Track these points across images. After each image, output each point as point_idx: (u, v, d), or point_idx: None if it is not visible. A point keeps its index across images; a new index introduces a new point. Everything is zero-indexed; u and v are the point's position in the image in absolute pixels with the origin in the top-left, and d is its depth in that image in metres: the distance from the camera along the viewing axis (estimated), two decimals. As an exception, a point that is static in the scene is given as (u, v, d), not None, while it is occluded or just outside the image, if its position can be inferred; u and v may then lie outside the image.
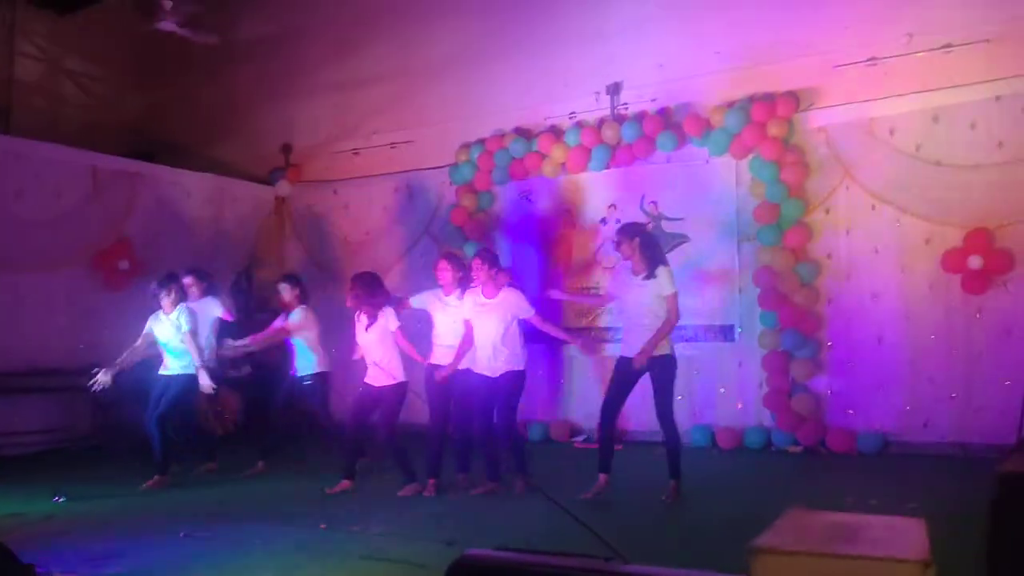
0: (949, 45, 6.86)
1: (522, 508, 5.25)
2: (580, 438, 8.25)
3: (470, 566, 1.53)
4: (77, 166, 8.59)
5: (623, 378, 5.53)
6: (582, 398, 8.40)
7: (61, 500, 5.63)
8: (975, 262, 6.58)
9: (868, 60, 7.19)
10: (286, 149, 10.51)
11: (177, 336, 6.31)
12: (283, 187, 10.37)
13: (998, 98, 6.66)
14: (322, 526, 4.84)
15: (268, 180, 10.42)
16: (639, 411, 8.09)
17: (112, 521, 5.11)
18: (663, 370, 5.42)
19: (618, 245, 5.54)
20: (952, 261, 6.72)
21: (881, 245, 7.11)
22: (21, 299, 7.96)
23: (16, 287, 7.93)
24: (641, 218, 8.14)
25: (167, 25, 9.00)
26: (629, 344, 5.47)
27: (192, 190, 9.63)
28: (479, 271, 5.71)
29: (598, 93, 8.48)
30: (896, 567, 1.46)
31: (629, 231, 5.50)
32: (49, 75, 10.71)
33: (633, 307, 5.46)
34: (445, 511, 5.24)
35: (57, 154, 8.47)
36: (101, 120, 10.74)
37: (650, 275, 5.37)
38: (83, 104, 10.90)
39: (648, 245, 5.46)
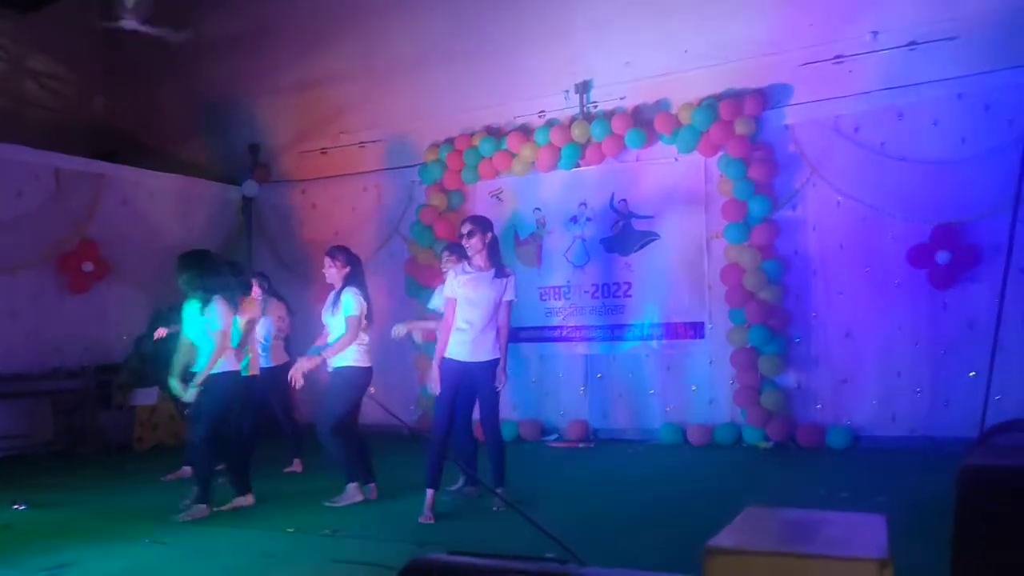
0: (913, 43, 6.94)
1: (497, 511, 5.20)
2: (551, 437, 8.25)
3: (419, 570, 1.49)
4: (40, 167, 8.43)
5: (465, 384, 5.24)
6: (553, 396, 8.40)
7: (22, 508, 5.51)
8: (942, 257, 6.66)
9: (834, 58, 7.26)
10: (254, 149, 10.40)
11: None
12: (250, 187, 10.25)
13: (960, 95, 6.75)
14: (290, 530, 4.77)
15: (235, 180, 10.30)
16: (614, 411, 8.15)
17: (74, 528, 5.00)
18: (495, 375, 5.20)
19: (470, 235, 5.18)
20: (918, 256, 6.81)
21: (847, 241, 7.18)
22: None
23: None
24: (611, 216, 8.17)
25: (130, 23, 8.85)
26: (479, 347, 5.14)
27: (157, 191, 9.50)
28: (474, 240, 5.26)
29: (567, 91, 8.48)
30: (853, 566, 1.45)
31: (484, 224, 5.29)
32: (11, 75, 10.50)
33: (486, 306, 5.14)
34: (415, 512, 5.18)
35: (20, 155, 8.31)
36: (65, 120, 10.56)
37: (500, 275, 5.19)
38: (46, 104, 10.70)
39: (496, 244, 5.30)
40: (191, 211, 9.77)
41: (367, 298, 5.58)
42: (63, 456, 7.77)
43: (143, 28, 8.87)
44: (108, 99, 11.14)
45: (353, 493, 5.50)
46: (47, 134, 9.70)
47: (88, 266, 8.57)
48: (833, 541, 1.54)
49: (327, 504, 5.41)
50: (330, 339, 5.55)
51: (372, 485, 5.62)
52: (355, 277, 5.60)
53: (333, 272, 5.59)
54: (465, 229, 5.26)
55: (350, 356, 5.47)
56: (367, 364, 5.56)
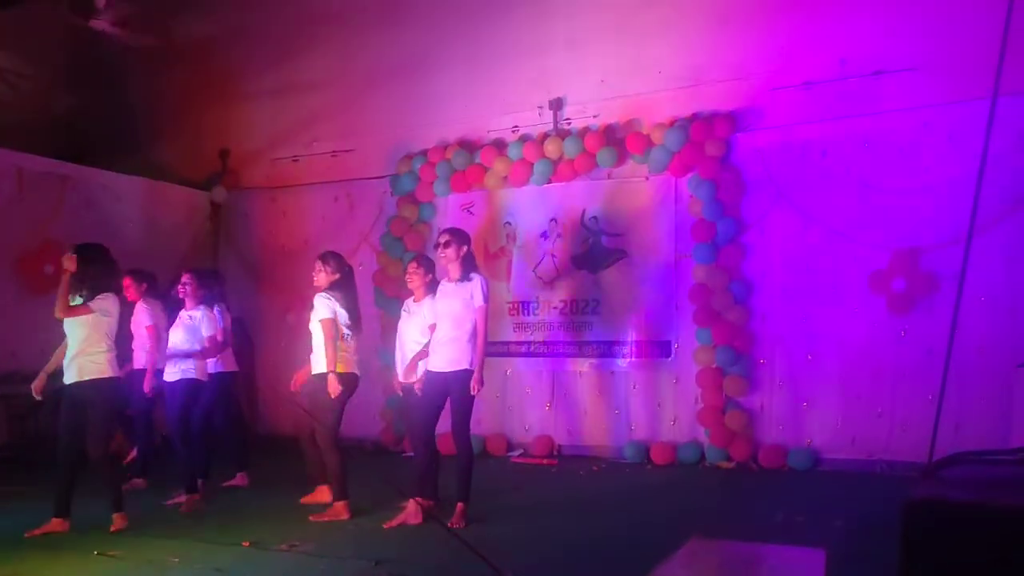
0: (880, 71, 7.05)
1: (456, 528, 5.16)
2: (516, 452, 8.22)
3: None
4: (3, 166, 8.26)
5: (437, 395, 5.31)
6: (519, 411, 8.38)
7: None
8: (898, 284, 6.77)
9: (803, 84, 7.36)
10: (224, 154, 10.28)
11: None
12: (219, 193, 10.13)
13: (925, 124, 6.86)
14: (245, 544, 4.70)
15: (205, 185, 10.18)
16: (580, 427, 8.15)
17: (22, 539, 4.88)
18: (466, 385, 5.19)
19: (446, 245, 5.28)
20: (878, 282, 6.90)
21: (812, 265, 7.25)
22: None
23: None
24: (582, 233, 8.19)
25: (100, 24, 8.73)
26: (449, 357, 5.23)
27: (123, 193, 9.34)
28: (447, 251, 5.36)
29: (541, 108, 8.50)
30: None
31: (461, 237, 5.36)
32: (-25, 71, 10.30)
33: (451, 315, 5.24)
34: (374, 529, 5.13)
35: (-18, 153, 8.15)
36: (29, 119, 10.35)
37: (464, 279, 5.25)
38: (10, 102, 10.50)
39: (471, 259, 5.37)
40: (157, 215, 9.63)
41: (349, 306, 5.54)
42: (15, 462, 7.58)
43: (112, 30, 8.74)
44: (74, 98, 10.95)
45: (340, 510, 5.42)
46: (10, 133, 9.49)
47: (49, 268, 8.39)
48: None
49: (312, 518, 5.38)
50: (313, 343, 5.55)
51: (327, 487, 5.62)
52: (340, 285, 5.57)
53: (322, 277, 5.58)
54: (442, 239, 5.35)
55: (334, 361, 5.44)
56: (351, 370, 5.52)
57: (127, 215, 9.31)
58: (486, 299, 5.27)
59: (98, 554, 4.46)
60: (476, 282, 5.25)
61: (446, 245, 5.27)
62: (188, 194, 10.04)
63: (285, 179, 9.87)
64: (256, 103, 10.05)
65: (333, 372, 5.35)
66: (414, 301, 5.84)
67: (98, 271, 5.18)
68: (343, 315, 5.49)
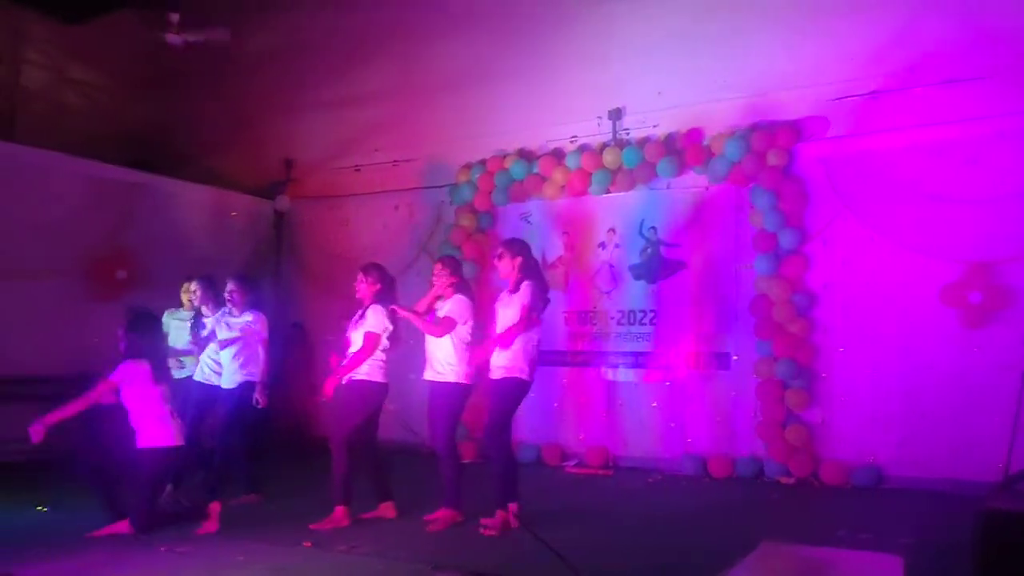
0: (951, 80, 6.88)
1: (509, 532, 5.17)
2: (572, 462, 8.19)
3: None
4: (78, 175, 8.58)
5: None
6: (575, 421, 8.35)
7: (43, 510, 5.57)
8: (974, 297, 6.56)
9: (870, 93, 7.21)
10: (288, 164, 10.52)
11: None
12: (282, 201, 10.37)
13: (999, 133, 6.67)
14: (307, 544, 4.78)
15: (269, 194, 10.43)
16: (635, 438, 8.07)
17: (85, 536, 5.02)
18: (502, 390, 5.25)
19: (499, 258, 5.44)
20: (950, 295, 6.71)
21: (878, 277, 7.09)
22: (15, 306, 7.90)
23: (11, 294, 7.88)
24: (640, 243, 8.15)
25: (172, 37, 9.01)
26: (494, 363, 5.29)
27: (191, 202, 9.62)
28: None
29: (600, 118, 8.50)
30: None
31: (516, 247, 5.44)
32: (53, 83, 10.74)
33: (501, 325, 5.32)
34: (428, 532, 5.16)
35: (58, 162, 8.45)
36: (103, 129, 10.75)
37: (516, 288, 5.30)
38: (86, 113, 10.92)
39: (529, 267, 5.39)
40: (223, 223, 9.89)
41: (391, 317, 5.59)
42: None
43: (182, 43, 9.00)
44: (146, 109, 11.33)
45: (340, 517, 5.34)
46: (86, 142, 9.87)
47: (121, 274, 8.69)
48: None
49: (311, 527, 5.20)
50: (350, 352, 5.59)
51: (390, 503, 5.60)
52: (384, 295, 5.62)
53: (364, 287, 5.63)
54: (497, 251, 5.43)
55: (363, 370, 5.47)
56: (382, 380, 5.55)
57: (194, 223, 9.57)
58: (523, 308, 5.22)
59: (166, 550, 4.58)
60: (521, 290, 5.27)
61: (499, 257, 5.40)
62: (253, 202, 10.30)
63: (347, 188, 10.04)
64: (319, 114, 10.27)
65: (337, 377, 5.45)
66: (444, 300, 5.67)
67: None
68: (389, 328, 5.55)
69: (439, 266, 5.68)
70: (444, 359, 5.42)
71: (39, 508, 5.63)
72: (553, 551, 2.78)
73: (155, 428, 5.13)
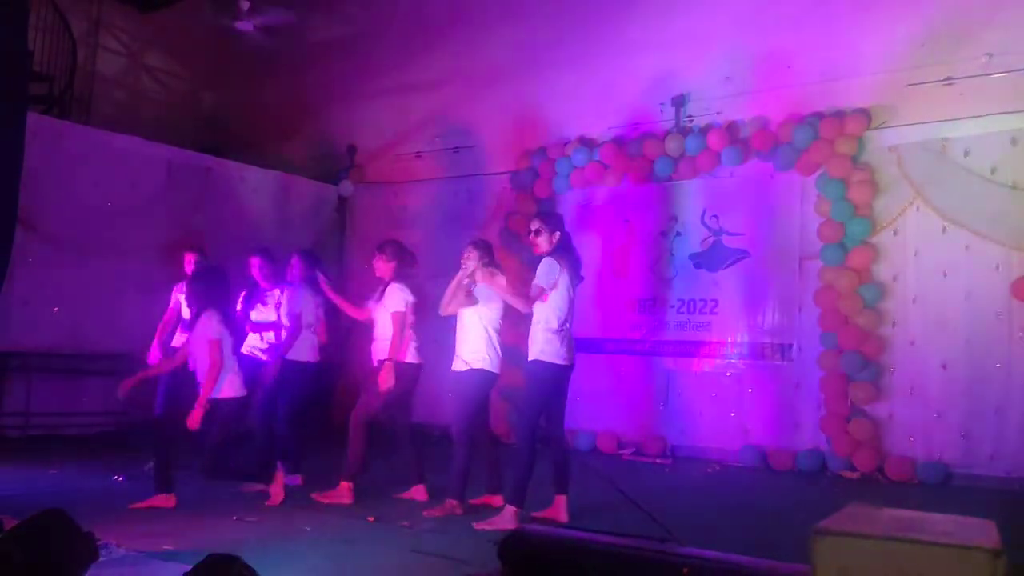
0: (1031, 67, 6.66)
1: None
2: (629, 450, 8.18)
3: (523, 541, 1.52)
4: (154, 158, 8.85)
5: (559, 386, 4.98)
6: (632, 410, 8.33)
7: (121, 480, 5.80)
8: (1050, 291, 6.37)
9: (944, 80, 7.01)
10: (351, 150, 10.69)
11: None
12: (346, 187, 10.55)
13: (1081, 122, 6.44)
14: (370, 519, 4.89)
15: (332, 179, 10.61)
16: (693, 428, 8.03)
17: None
18: (529, 376, 4.95)
19: (536, 233, 4.94)
20: (1023, 289, 6.51)
21: (950, 269, 6.91)
22: (93, 285, 8.21)
23: (90, 273, 8.18)
24: (702, 232, 8.08)
25: (242, 26, 9.23)
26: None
27: (259, 186, 9.85)
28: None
29: (663, 104, 8.44)
30: (965, 554, 1.39)
31: (552, 221, 5.01)
32: (129, 69, 11.11)
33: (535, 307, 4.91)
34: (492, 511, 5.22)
35: (135, 146, 8.74)
36: (176, 115, 11.08)
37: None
38: (160, 99, 11.26)
39: (565, 241, 4.98)
40: (289, 207, 10.10)
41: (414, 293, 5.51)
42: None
43: (252, 31, 9.20)
44: (217, 96, 11.63)
45: (343, 492, 5.34)
46: (160, 127, 10.19)
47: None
48: (943, 534, 1.49)
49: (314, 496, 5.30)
50: (376, 332, 5.55)
51: (422, 486, 5.52)
52: (400, 272, 5.55)
53: (381, 265, 5.58)
54: (532, 226, 5.01)
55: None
56: (415, 360, 5.50)
57: (262, 206, 9.80)
58: (539, 280, 4.78)
59: (237, 519, 4.73)
60: (540, 265, 4.86)
61: (536, 233, 4.94)
62: (317, 187, 10.50)
63: (409, 174, 10.17)
64: (381, 101, 10.39)
65: (391, 361, 5.34)
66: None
67: None
68: (411, 301, 5.48)
69: (472, 250, 5.24)
70: (474, 348, 5.20)
71: (116, 478, 5.86)
72: (648, 513, 2.79)
73: (224, 380, 5.08)
